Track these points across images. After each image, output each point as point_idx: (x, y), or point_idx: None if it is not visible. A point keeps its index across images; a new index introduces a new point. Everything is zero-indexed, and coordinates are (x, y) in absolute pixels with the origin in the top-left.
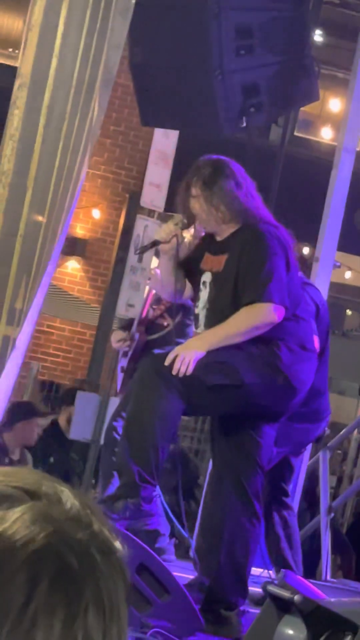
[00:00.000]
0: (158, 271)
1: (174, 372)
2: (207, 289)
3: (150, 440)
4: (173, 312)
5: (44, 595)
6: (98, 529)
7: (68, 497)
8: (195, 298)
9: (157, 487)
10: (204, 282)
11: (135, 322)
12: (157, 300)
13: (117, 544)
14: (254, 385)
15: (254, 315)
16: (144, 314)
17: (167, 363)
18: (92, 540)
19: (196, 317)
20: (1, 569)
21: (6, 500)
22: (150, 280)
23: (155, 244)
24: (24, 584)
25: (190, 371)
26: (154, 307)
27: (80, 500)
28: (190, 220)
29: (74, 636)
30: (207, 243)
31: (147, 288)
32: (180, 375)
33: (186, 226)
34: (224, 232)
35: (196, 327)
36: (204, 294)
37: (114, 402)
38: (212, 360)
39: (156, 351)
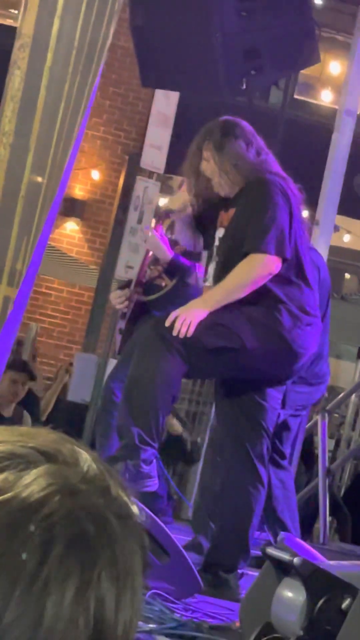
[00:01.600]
0: (156, 232)
1: (174, 333)
2: (219, 244)
3: (151, 403)
4: (171, 272)
5: (57, 560)
6: (115, 493)
7: (86, 460)
8: (209, 255)
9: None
10: (218, 238)
11: (133, 283)
12: (155, 260)
13: (135, 509)
14: (255, 349)
15: (251, 267)
16: (142, 275)
17: (167, 324)
18: (109, 504)
19: (206, 272)
20: (14, 532)
21: (21, 462)
22: (146, 242)
23: (169, 213)
24: (38, 548)
25: (191, 333)
26: (152, 267)
27: (99, 464)
28: (200, 184)
29: (86, 601)
30: (221, 201)
31: (140, 248)
32: (181, 336)
33: (202, 189)
34: (236, 189)
35: (205, 280)
36: (216, 248)
37: (113, 364)
38: (214, 322)
39: (157, 314)
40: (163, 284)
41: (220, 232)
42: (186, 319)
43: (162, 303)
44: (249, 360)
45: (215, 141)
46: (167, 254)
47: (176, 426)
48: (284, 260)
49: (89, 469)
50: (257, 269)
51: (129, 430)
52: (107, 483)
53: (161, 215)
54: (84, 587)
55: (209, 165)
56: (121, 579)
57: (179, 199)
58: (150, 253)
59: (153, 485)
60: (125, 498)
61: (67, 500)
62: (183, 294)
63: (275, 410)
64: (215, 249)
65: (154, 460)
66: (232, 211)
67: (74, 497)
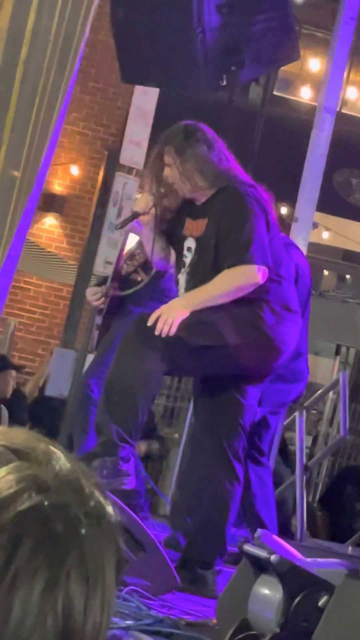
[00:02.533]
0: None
1: (156, 333)
2: (191, 254)
3: (131, 401)
4: (147, 267)
5: (25, 557)
6: (89, 493)
7: (59, 459)
8: (178, 264)
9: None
10: (189, 248)
11: (109, 279)
12: (131, 255)
13: (109, 509)
14: (237, 346)
15: (238, 276)
16: (118, 270)
17: (149, 323)
18: (81, 503)
19: (177, 281)
20: None
21: None
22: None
23: (134, 215)
24: (6, 544)
25: (173, 332)
26: (128, 262)
27: (73, 463)
28: (162, 188)
29: (54, 600)
30: (187, 208)
31: (119, 244)
32: (163, 335)
33: (164, 195)
34: (202, 196)
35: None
36: (188, 259)
37: (91, 359)
38: (196, 321)
39: (135, 309)
40: (139, 278)
41: (190, 242)
42: (168, 319)
43: (139, 297)
44: (231, 358)
45: (176, 145)
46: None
47: (152, 447)
48: (268, 269)
49: (62, 467)
50: (244, 278)
51: (108, 428)
52: (80, 482)
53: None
54: (52, 584)
55: (171, 171)
56: (91, 579)
57: (142, 200)
58: (126, 248)
59: (130, 483)
60: (100, 498)
61: (36, 498)
62: (159, 288)
63: (253, 408)
64: (185, 260)
65: (132, 458)
66: (202, 221)
67: (43, 495)
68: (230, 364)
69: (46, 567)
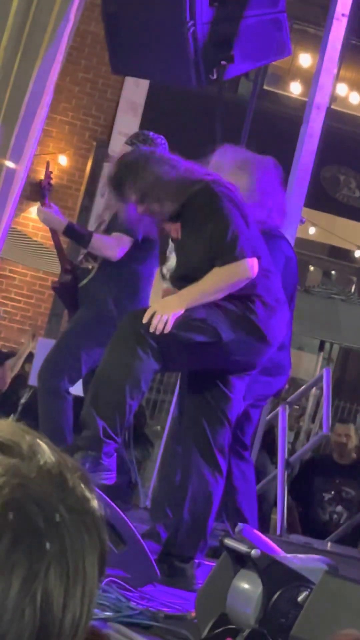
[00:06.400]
0: (44, 207)
1: (151, 330)
2: (173, 256)
3: (119, 399)
4: (91, 255)
5: (4, 551)
6: (72, 487)
7: (44, 452)
8: (162, 258)
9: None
10: (170, 248)
11: (60, 271)
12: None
13: (93, 503)
14: (232, 341)
15: (231, 272)
16: (65, 261)
17: (144, 321)
18: (64, 498)
19: (163, 275)
20: None
21: None
22: (41, 219)
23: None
24: None
25: (168, 329)
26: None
27: (57, 457)
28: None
29: (32, 594)
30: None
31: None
32: (158, 333)
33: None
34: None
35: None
36: (169, 261)
37: None
38: (190, 317)
39: (95, 298)
40: (90, 266)
41: (171, 243)
42: (163, 316)
43: (96, 284)
44: (225, 353)
45: (136, 186)
46: (61, 223)
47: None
48: (259, 259)
49: (46, 461)
50: (238, 273)
51: (95, 423)
52: (64, 476)
53: (45, 186)
54: (31, 578)
55: (142, 208)
56: (71, 573)
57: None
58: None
59: (111, 478)
60: (85, 492)
61: (17, 493)
62: (113, 273)
63: (240, 402)
64: (169, 256)
65: (115, 454)
66: (177, 225)
67: (24, 490)
68: (224, 359)
69: (25, 562)
